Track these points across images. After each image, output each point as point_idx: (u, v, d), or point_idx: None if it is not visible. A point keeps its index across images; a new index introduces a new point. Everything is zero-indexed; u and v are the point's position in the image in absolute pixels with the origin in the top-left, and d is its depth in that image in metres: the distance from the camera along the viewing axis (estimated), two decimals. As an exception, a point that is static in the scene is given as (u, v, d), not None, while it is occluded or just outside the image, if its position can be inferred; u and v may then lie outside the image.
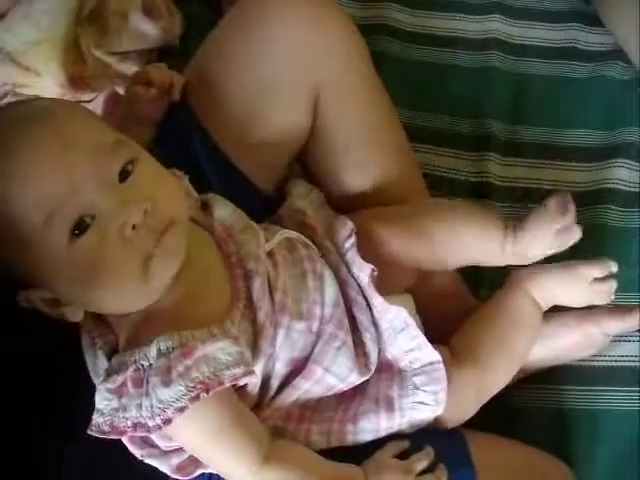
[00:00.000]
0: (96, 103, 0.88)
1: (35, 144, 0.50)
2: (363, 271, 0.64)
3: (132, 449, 0.55)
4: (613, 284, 0.70)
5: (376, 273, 0.64)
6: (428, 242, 0.68)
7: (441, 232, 0.68)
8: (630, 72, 0.96)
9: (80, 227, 0.50)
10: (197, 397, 0.50)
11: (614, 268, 0.70)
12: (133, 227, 0.50)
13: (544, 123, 0.93)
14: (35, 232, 0.49)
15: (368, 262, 0.64)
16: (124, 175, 0.52)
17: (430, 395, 0.62)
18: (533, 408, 0.77)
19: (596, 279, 0.70)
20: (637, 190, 0.89)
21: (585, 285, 0.70)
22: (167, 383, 0.50)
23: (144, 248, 0.51)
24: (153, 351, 0.52)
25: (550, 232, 0.67)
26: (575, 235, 0.68)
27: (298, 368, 0.60)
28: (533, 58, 0.98)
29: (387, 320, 0.63)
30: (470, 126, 0.92)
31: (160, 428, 0.51)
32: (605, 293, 0.71)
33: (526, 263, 0.70)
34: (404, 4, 1.00)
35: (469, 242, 0.69)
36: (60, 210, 0.49)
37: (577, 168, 0.91)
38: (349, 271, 0.65)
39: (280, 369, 0.59)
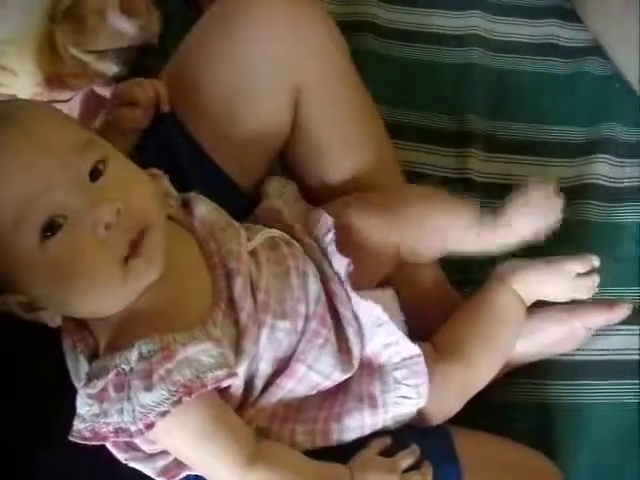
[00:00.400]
0: (73, 103, 0.87)
1: (4, 145, 0.49)
2: (340, 265, 0.64)
3: (116, 453, 0.55)
4: (596, 279, 0.71)
5: (351, 267, 0.63)
6: (404, 228, 0.68)
7: (420, 221, 0.68)
8: (608, 68, 0.96)
9: (52, 228, 0.49)
10: (179, 401, 0.50)
11: (596, 263, 0.71)
12: (107, 228, 0.49)
13: (525, 119, 0.93)
14: (6, 233, 0.49)
15: (346, 254, 0.64)
16: (95, 175, 0.51)
17: (412, 389, 0.62)
18: (517, 402, 0.77)
19: (579, 274, 0.71)
20: (618, 185, 0.89)
21: (568, 280, 0.71)
22: (149, 387, 0.50)
23: (119, 249, 0.50)
24: (134, 355, 0.51)
25: (535, 215, 0.67)
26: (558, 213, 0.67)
27: (282, 367, 0.59)
28: (513, 54, 0.98)
29: (365, 314, 0.63)
30: (451, 122, 0.92)
31: (142, 433, 0.50)
32: (588, 288, 0.72)
33: (508, 248, 0.69)
34: (384, 0, 0.99)
35: (443, 226, 0.68)
36: (30, 210, 0.48)
37: (558, 164, 0.91)
38: (330, 265, 0.65)
39: (264, 369, 0.58)
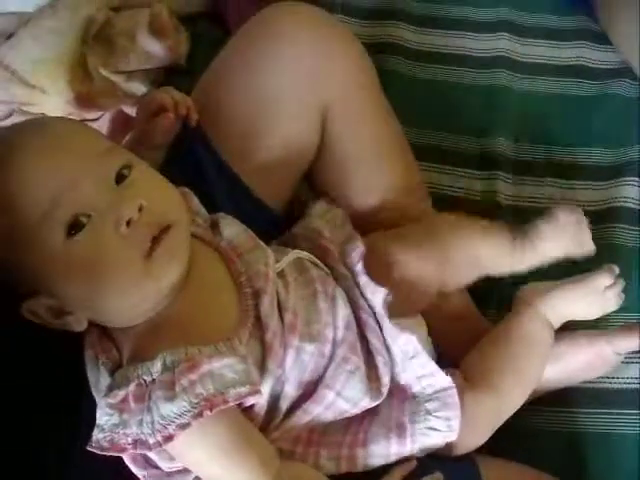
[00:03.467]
0: (102, 122, 0.88)
1: (34, 149, 0.51)
2: (376, 295, 0.63)
3: (134, 470, 0.55)
4: (620, 285, 0.71)
5: (390, 297, 0.63)
6: (443, 262, 0.68)
7: (457, 252, 0.69)
8: (637, 89, 0.95)
9: (76, 226, 0.50)
10: (200, 414, 0.49)
11: (617, 269, 0.71)
12: (128, 224, 0.51)
13: (553, 142, 0.92)
14: (33, 231, 0.50)
15: (383, 285, 0.63)
16: (120, 179, 0.53)
17: (443, 421, 0.61)
18: (546, 430, 0.75)
19: (606, 287, 0.70)
20: (647, 208, 0.88)
21: (599, 296, 0.70)
22: (170, 398, 0.49)
23: (142, 243, 0.51)
24: (157, 365, 0.51)
25: (564, 237, 0.70)
26: (589, 246, 0.70)
27: (309, 391, 0.59)
28: (541, 76, 0.97)
29: (398, 346, 0.63)
30: (478, 145, 0.92)
31: (160, 445, 0.49)
32: (616, 298, 0.71)
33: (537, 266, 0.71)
34: (410, 22, 1.00)
35: (483, 259, 0.70)
36: (55, 209, 0.50)
37: (586, 187, 0.90)
38: (362, 294, 0.65)
39: (290, 391, 0.58)
